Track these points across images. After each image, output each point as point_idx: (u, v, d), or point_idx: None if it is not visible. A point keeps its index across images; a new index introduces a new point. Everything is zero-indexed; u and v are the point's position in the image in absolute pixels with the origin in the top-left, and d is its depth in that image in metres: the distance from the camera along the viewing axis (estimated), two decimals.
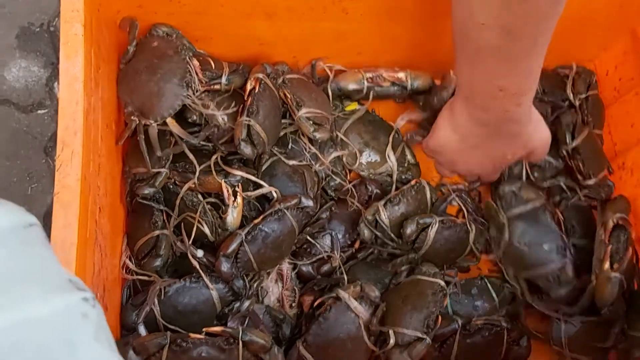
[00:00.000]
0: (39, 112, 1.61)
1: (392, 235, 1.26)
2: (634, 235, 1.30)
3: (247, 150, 1.19)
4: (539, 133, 1.23)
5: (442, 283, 1.23)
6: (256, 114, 1.19)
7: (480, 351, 1.24)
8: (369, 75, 1.38)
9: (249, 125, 1.19)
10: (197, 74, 1.19)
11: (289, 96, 1.27)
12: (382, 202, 1.27)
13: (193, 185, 1.20)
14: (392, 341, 1.14)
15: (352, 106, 1.42)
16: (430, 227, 1.25)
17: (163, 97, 1.13)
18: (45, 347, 0.46)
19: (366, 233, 1.26)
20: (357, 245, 1.31)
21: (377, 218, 1.25)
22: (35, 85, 1.62)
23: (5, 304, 0.46)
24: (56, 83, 1.63)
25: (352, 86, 1.38)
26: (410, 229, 1.24)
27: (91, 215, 0.90)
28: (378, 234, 1.26)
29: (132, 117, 1.12)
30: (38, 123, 1.60)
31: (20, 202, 1.60)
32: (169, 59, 1.16)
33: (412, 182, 1.33)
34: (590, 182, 1.39)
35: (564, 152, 1.40)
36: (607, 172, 1.43)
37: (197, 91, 1.18)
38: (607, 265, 1.22)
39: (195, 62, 1.20)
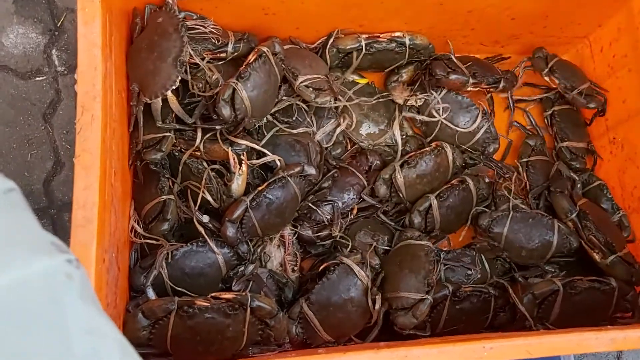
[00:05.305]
0: (38, 78, 1.61)
1: (402, 196, 1.34)
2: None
3: (224, 110, 1.19)
4: None
5: (429, 244, 1.29)
6: (246, 80, 1.20)
7: (468, 317, 1.30)
8: (365, 35, 1.41)
9: (234, 89, 1.19)
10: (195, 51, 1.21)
11: (284, 67, 1.29)
12: (399, 162, 1.34)
13: (199, 153, 1.23)
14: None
15: (362, 81, 1.46)
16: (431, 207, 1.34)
17: (158, 76, 1.15)
18: (33, 307, 0.47)
19: (382, 190, 1.33)
20: (354, 211, 1.36)
21: (392, 178, 1.32)
22: (34, 52, 1.62)
23: None
24: (54, 50, 1.63)
25: (349, 45, 1.39)
26: (417, 219, 1.34)
27: (108, 178, 0.93)
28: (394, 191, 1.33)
29: (132, 103, 1.15)
30: (36, 90, 1.60)
31: (21, 168, 1.61)
32: (167, 36, 1.16)
33: (433, 145, 1.39)
34: (577, 93, 1.49)
35: (545, 119, 1.55)
36: (587, 146, 1.52)
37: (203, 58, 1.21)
38: (596, 257, 1.34)
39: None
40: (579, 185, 1.43)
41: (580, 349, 0.94)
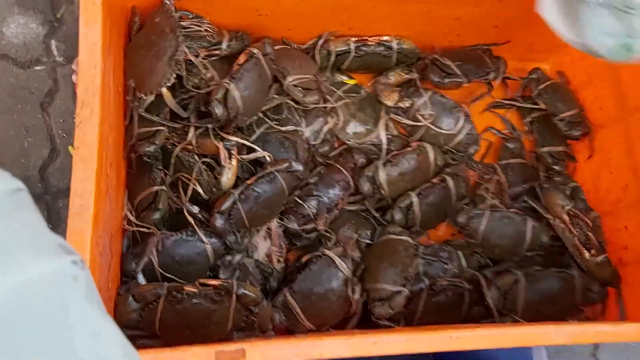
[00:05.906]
0: (37, 68, 1.65)
1: (384, 193, 1.39)
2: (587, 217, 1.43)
3: (217, 110, 1.23)
4: None
5: (410, 239, 1.35)
6: (238, 80, 1.25)
7: (443, 310, 1.36)
8: (354, 38, 1.47)
9: (227, 89, 1.24)
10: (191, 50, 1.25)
11: (274, 67, 1.34)
12: (382, 161, 1.41)
13: (191, 147, 1.28)
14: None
15: (350, 82, 1.52)
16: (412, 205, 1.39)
17: (154, 74, 1.19)
18: (38, 309, 0.47)
19: (365, 187, 1.39)
20: (339, 206, 1.41)
21: (375, 176, 1.38)
22: (34, 42, 1.66)
23: None
24: (53, 40, 1.67)
25: (339, 47, 1.46)
26: (397, 215, 1.39)
27: (104, 169, 0.98)
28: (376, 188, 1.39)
29: (128, 98, 1.20)
30: (35, 79, 1.64)
31: (17, 156, 1.65)
32: (164, 36, 1.21)
33: (415, 145, 1.45)
34: (558, 119, 1.54)
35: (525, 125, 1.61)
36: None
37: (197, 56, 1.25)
38: (586, 254, 1.39)
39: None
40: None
41: (541, 341, 1.01)
